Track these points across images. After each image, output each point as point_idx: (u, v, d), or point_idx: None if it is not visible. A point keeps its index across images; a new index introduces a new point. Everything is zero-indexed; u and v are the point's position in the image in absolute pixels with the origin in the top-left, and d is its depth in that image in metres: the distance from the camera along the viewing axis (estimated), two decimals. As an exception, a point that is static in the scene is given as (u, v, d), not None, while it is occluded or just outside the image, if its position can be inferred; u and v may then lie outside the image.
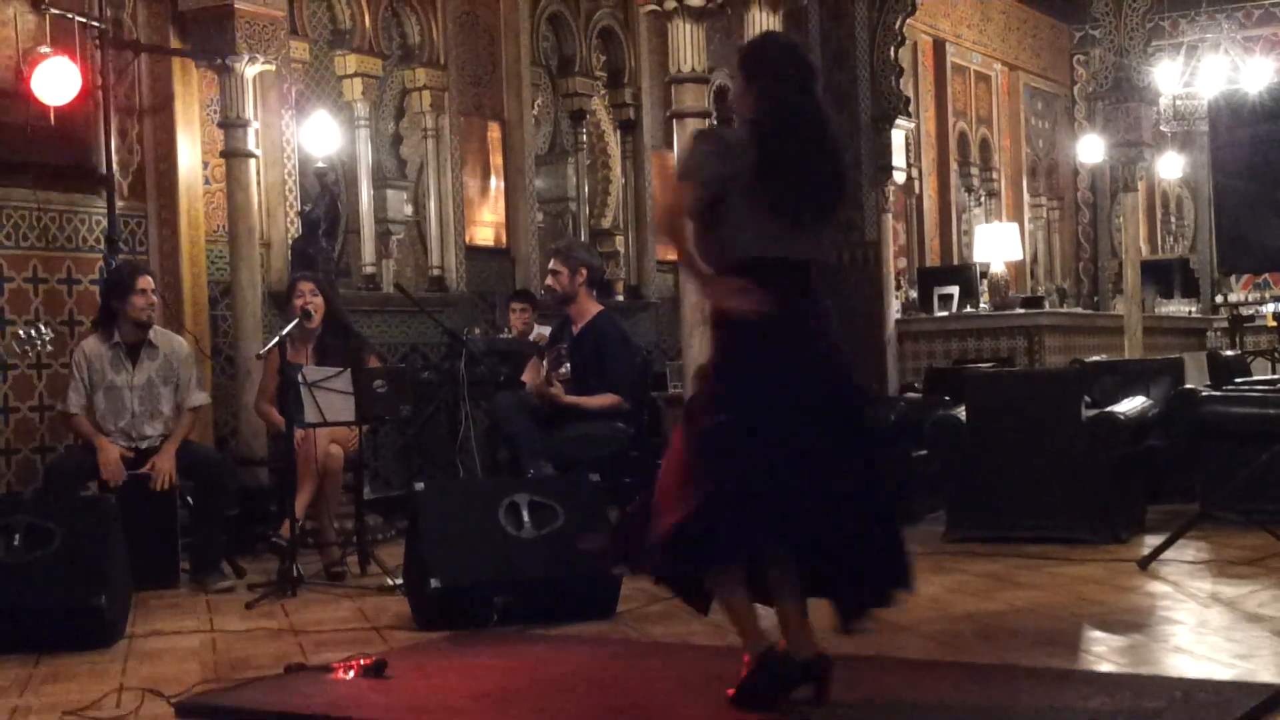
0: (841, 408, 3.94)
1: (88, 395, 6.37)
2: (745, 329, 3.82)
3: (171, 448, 6.32)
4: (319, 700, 4.07)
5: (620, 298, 10.58)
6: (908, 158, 12.89)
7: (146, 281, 6.40)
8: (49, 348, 6.28)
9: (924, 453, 7.72)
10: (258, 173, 7.73)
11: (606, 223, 10.77)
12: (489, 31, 9.70)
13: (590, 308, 6.93)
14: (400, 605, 5.50)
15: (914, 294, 13.36)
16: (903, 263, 13.89)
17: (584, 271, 6.92)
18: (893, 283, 12.61)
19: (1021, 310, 12.23)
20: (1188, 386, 8.12)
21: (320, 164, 8.54)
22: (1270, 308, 15.62)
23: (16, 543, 5.16)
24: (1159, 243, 17.75)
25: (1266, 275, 15.96)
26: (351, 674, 4.32)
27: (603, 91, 10.76)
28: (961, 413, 7.19)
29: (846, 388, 4.02)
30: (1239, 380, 8.72)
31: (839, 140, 3.98)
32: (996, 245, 14.22)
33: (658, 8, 6.70)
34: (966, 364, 10.86)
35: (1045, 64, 17.03)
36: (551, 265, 6.89)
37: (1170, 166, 16.80)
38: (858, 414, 4.02)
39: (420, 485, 5.43)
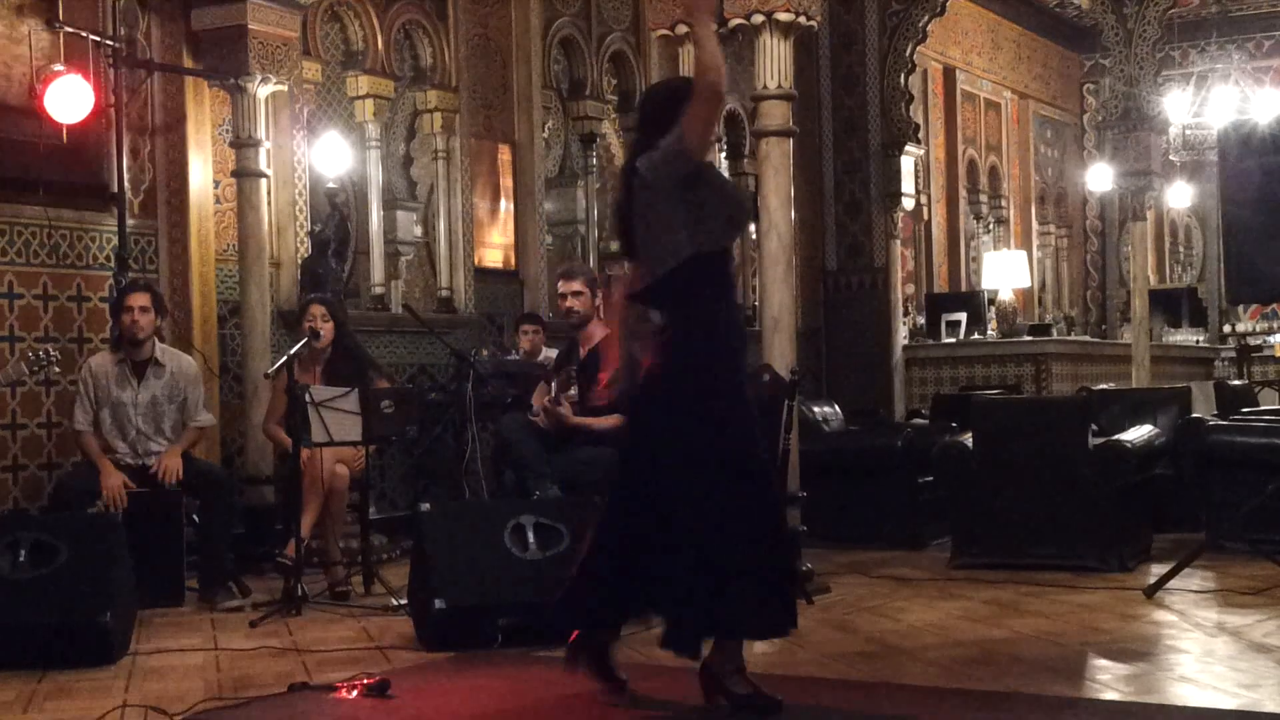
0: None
1: (94, 411, 6.39)
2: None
3: (177, 449, 6.33)
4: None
5: (628, 321, 10.58)
6: (917, 184, 12.92)
7: (135, 299, 6.40)
8: (57, 369, 6.29)
9: (930, 479, 7.72)
10: (268, 192, 7.76)
11: (616, 245, 10.79)
12: (500, 54, 9.75)
13: (599, 329, 6.93)
14: (404, 625, 5.50)
15: (922, 320, 13.38)
16: (911, 289, 13.90)
17: (599, 292, 6.94)
18: (901, 309, 12.63)
19: (1029, 338, 12.25)
20: (1195, 416, 8.12)
21: (331, 184, 8.58)
22: (1278, 338, 15.61)
23: (22, 559, 5.17)
24: (1167, 272, 17.77)
25: (1274, 305, 15.96)
26: (355, 694, 4.33)
27: (613, 115, 10.79)
28: (968, 439, 7.18)
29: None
30: (1246, 410, 8.72)
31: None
32: (1005, 272, 14.24)
33: (669, 32, 6.72)
34: (973, 390, 10.86)
35: (1055, 92, 17.06)
36: (575, 287, 6.75)
37: (1179, 196, 16.82)
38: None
39: (426, 506, 5.43)
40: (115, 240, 7.10)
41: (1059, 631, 5.29)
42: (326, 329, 6.70)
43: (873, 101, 12.32)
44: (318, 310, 6.75)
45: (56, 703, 4.47)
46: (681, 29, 6.61)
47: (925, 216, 14.24)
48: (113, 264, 7.11)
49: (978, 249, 15.33)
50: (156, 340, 6.51)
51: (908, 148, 12.40)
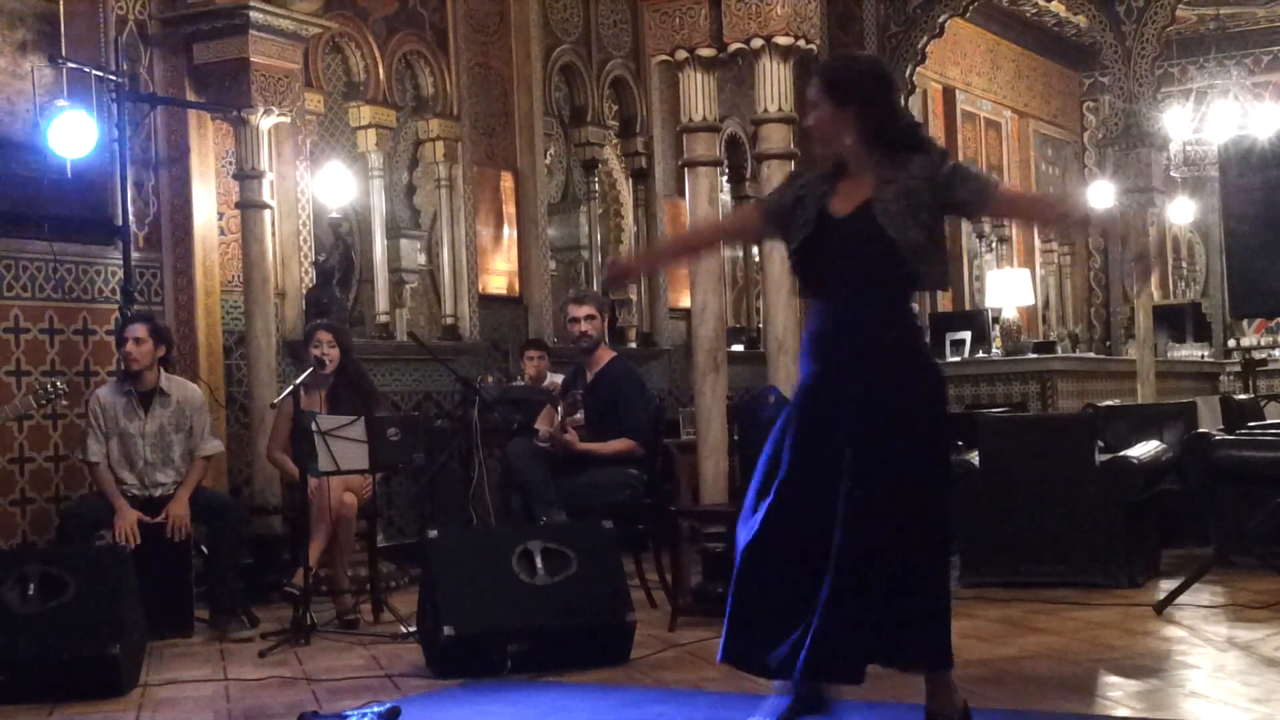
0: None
1: (105, 443, 6.40)
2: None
3: (184, 495, 6.33)
4: (333, 748, 4.07)
5: (633, 344, 10.60)
6: (919, 204, 12.90)
7: (133, 331, 6.43)
8: (64, 400, 6.31)
9: (937, 498, 7.70)
10: (272, 223, 7.78)
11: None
12: (502, 82, 9.79)
13: (604, 353, 6.95)
14: (414, 653, 5.50)
15: (926, 339, 13.36)
16: (915, 309, 13.89)
17: (607, 316, 6.97)
18: (905, 329, 12.61)
19: (1034, 355, 12.22)
20: (1201, 431, 8.10)
21: (334, 214, 8.61)
22: (1283, 351, 15.60)
23: (31, 592, 5.18)
24: (1171, 287, 17.76)
25: (1279, 319, 15.96)
26: (365, 722, 4.32)
27: (615, 141, 10.83)
28: (975, 458, 7.18)
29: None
30: (1252, 424, 8.70)
31: None
32: (1008, 291, 14.22)
33: (669, 58, 6.75)
34: (979, 409, 10.85)
35: (1055, 111, 17.10)
36: (586, 310, 6.78)
37: (1181, 212, 16.84)
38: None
39: (433, 533, 5.44)
40: (120, 274, 7.12)
41: (1069, 649, 5.28)
42: (332, 355, 6.73)
43: (873, 123, 12.35)
44: (324, 337, 6.78)
45: (67, 736, 4.48)
46: (681, 54, 6.64)
47: (928, 236, 14.23)
48: (118, 297, 7.13)
49: (981, 267, 15.34)
50: (162, 370, 6.53)
51: (909, 168, 12.42)
